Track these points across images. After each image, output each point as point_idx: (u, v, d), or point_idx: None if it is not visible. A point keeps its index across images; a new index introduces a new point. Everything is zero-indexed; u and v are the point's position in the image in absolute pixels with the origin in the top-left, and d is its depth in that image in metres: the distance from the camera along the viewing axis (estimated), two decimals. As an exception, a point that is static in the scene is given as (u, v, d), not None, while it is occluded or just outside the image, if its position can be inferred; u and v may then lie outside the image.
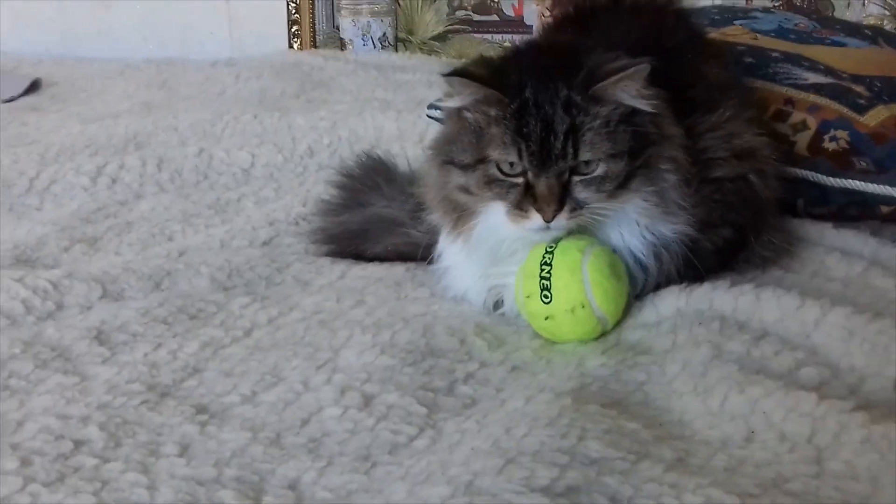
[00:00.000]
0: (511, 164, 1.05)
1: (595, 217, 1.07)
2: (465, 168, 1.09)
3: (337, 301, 1.20)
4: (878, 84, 1.47)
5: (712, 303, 1.11)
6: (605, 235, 1.10)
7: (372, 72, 2.49)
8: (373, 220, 1.36)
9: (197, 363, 1.04)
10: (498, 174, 1.06)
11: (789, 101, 1.43)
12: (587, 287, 1.06)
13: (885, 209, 1.35)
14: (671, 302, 1.13)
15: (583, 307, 1.06)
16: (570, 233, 1.08)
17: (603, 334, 1.10)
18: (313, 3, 2.81)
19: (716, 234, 1.17)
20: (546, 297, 1.06)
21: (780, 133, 1.40)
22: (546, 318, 1.07)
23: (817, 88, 1.44)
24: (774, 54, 1.51)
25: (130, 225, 1.53)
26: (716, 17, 1.69)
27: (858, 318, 1.03)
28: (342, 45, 2.81)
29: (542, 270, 1.06)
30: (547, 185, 1.04)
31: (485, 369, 1.02)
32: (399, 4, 2.78)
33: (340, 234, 1.38)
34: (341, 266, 1.33)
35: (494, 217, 1.08)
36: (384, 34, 2.78)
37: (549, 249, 1.07)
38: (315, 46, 2.82)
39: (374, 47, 2.77)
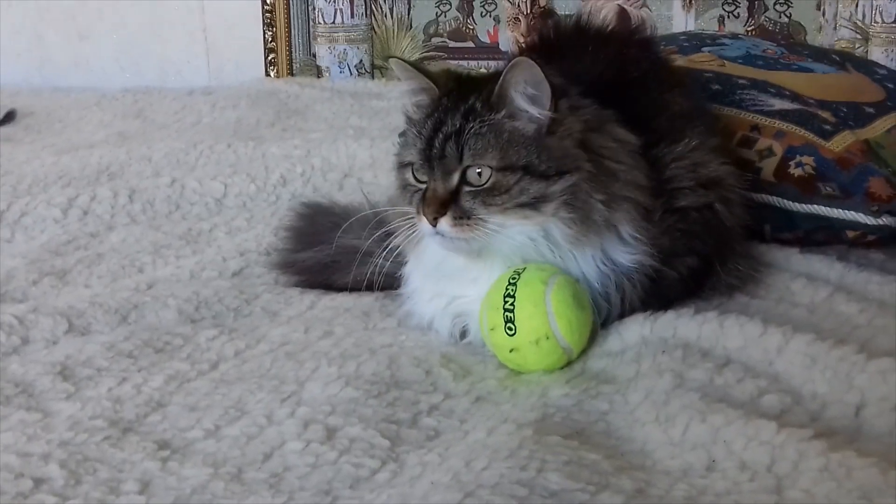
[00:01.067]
0: (412, 167, 1.11)
1: (490, 231, 1.07)
2: (400, 168, 1.16)
3: (305, 332, 1.21)
4: (844, 109, 1.48)
5: (676, 331, 1.11)
6: (562, 264, 1.11)
7: (347, 99, 2.51)
8: (341, 251, 1.36)
9: (161, 397, 1.04)
10: (411, 179, 1.12)
11: (755, 128, 1.43)
12: (551, 318, 1.06)
13: (851, 234, 1.36)
14: (636, 330, 1.13)
15: (547, 338, 1.06)
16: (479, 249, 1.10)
17: (568, 363, 1.10)
18: (290, 32, 2.83)
19: (681, 264, 1.18)
20: (510, 329, 1.06)
21: (747, 159, 1.40)
22: (511, 350, 1.07)
23: (783, 115, 1.44)
24: (741, 81, 1.51)
25: (101, 257, 1.53)
26: (685, 45, 1.69)
27: (821, 345, 1.03)
28: (318, 72, 2.83)
29: (506, 302, 1.06)
30: (432, 188, 1.08)
31: (449, 400, 1.02)
32: (375, 32, 2.80)
33: (310, 266, 1.38)
34: (311, 296, 1.34)
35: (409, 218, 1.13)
36: (360, 61, 2.80)
37: (511, 281, 1.08)
38: (292, 74, 2.85)
39: (351, 74, 2.79)
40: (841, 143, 1.41)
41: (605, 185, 1.09)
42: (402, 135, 1.19)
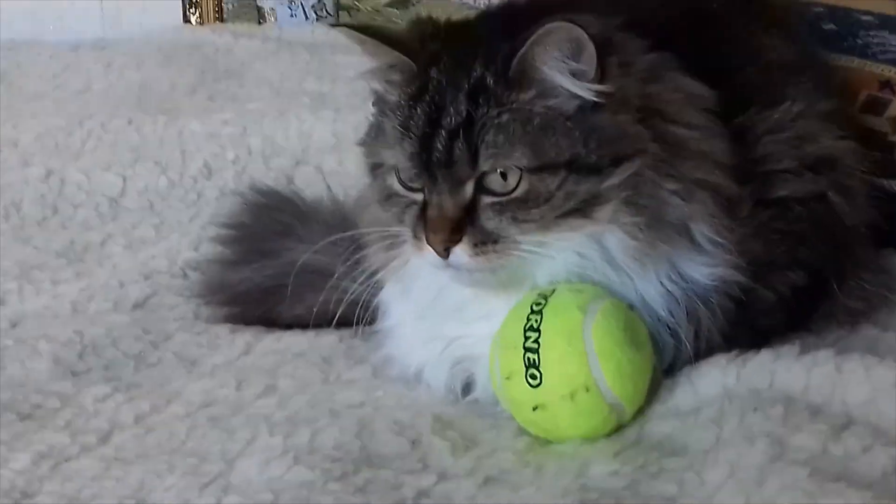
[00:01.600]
0: (395, 170, 1.10)
1: (526, 255, 1.08)
2: (372, 170, 1.17)
3: (237, 387, 1.22)
4: None
5: (774, 378, 1.12)
6: (617, 286, 1.11)
7: (302, 54, 2.53)
8: (289, 272, 1.36)
9: (26, 485, 1.05)
10: (396, 186, 1.11)
11: (887, 85, 1.45)
12: (592, 361, 1.06)
13: None
14: (716, 379, 1.14)
15: (587, 390, 1.06)
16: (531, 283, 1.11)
17: (618, 428, 1.10)
18: (219, -41, 2.86)
19: (781, 280, 1.18)
20: (534, 376, 1.06)
21: (876, 129, 1.43)
22: (535, 408, 1.07)
23: (927, 66, 1.46)
24: (866, 18, 1.53)
25: (-57, 282, 1.56)
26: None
27: None
28: (260, 16, 2.85)
29: (528, 339, 1.06)
30: (437, 205, 1.07)
31: (445, 483, 1.02)
32: (341, -42, 2.83)
33: (246, 291, 1.41)
34: (246, 336, 1.36)
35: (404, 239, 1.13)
36: (319, 0, 2.82)
37: (535, 308, 1.08)
38: (222, 20, 2.86)
39: (307, 19, 2.81)
40: None
41: (674, 165, 1.09)
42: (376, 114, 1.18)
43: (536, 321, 1.07)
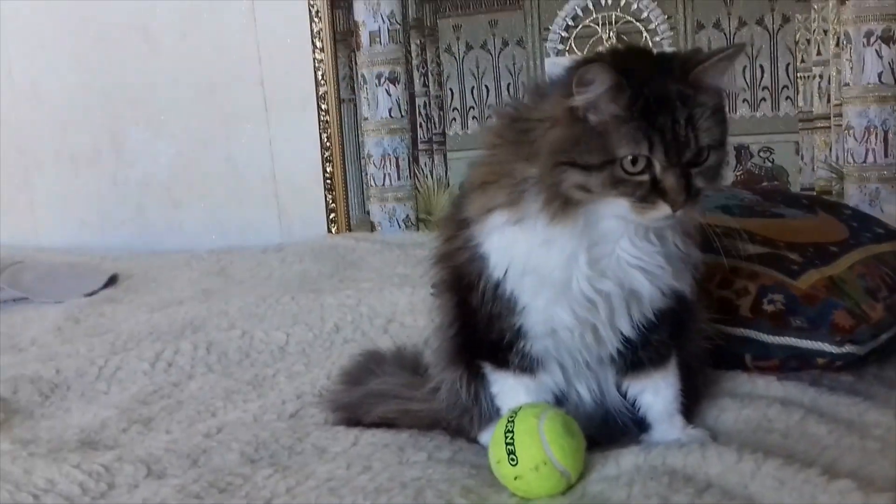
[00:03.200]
0: (635, 162, 1.00)
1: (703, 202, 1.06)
2: (587, 168, 1.01)
3: (347, 468, 1.20)
4: (811, 250, 1.50)
5: (665, 459, 1.11)
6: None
7: (395, 250, 2.56)
8: (368, 394, 1.39)
9: (220, 535, 1.05)
10: (623, 174, 1.00)
11: (733, 271, 1.44)
12: (546, 446, 1.07)
13: (820, 360, 1.36)
14: (630, 458, 1.13)
15: (545, 464, 1.07)
16: None
17: (570, 488, 1.09)
18: (347, 194, 2.92)
19: None
20: (513, 460, 1.07)
21: (726, 298, 1.42)
22: (516, 478, 1.08)
23: (756, 258, 1.46)
24: (717, 230, 1.53)
25: (181, 404, 1.56)
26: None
27: (789, 469, 1.03)
28: (372, 227, 2.90)
29: (507, 437, 1.08)
30: (675, 177, 1.00)
31: None
32: (419, 191, 2.88)
33: (348, 405, 1.40)
34: (354, 433, 1.33)
35: (610, 208, 1.03)
36: (407, 216, 2.87)
37: (510, 419, 1.09)
38: (349, 229, 2.92)
39: (399, 228, 2.86)
40: (807, 280, 1.42)
41: None
42: (575, 137, 1.02)
43: (511, 426, 1.08)
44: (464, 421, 1.27)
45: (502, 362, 1.19)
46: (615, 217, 1.04)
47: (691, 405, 1.25)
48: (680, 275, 1.14)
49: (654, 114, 0.99)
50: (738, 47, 1.05)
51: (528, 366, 1.18)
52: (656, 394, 1.20)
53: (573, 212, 1.04)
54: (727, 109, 1.08)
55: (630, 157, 1.00)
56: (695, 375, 1.26)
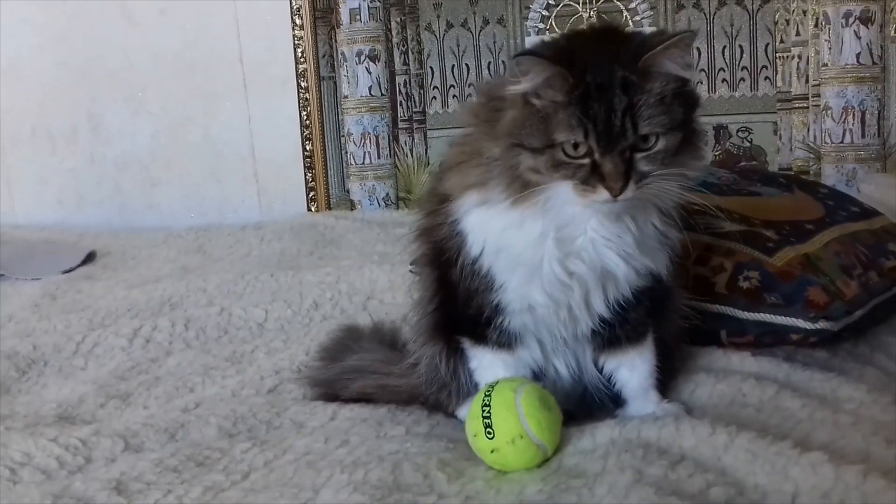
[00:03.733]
0: (576, 146, 1.01)
1: (659, 186, 1.04)
2: (534, 151, 1.03)
3: (325, 442, 1.21)
4: (787, 228, 1.51)
5: (640, 432, 1.12)
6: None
7: (375, 228, 2.56)
8: (346, 370, 1.39)
9: (198, 508, 1.05)
10: (564, 157, 1.01)
11: (709, 248, 1.46)
12: (522, 419, 1.08)
13: (794, 336, 1.37)
14: (605, 432, 1.14)
15: (521, 437, 1.07)
16: None
17: (546, 461, 1.10)
18: (327, 172, 2.91)
19: None
20: (489, 433, 1.08)
21: (702, 275, 1.43)
22: (492, 451, 1.08)
23: (732, 235, 1.47)
24: (695, 207, 1.53)
25: (158, 380, 1.56)
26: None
27: (761, 442, 1.04)
28: (352, 205, 2.90)
29: (484, 411, 1.08)
30: (612, 163, 1.00)
31: (442, 500, 1.02)
32: (399, 169, 2.87)
33: (326, 381, 1.40)
34: (332, 408, 1.34)
35: (561, 191, 1.04)
36: (387, 194, 2.87)
37: (487, 393, 1.10)
38: (329, 208, 2.91)
39: (379, 206, 2.86)
40: (783, 258, 1.43)
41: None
42: (524, 119, 1.04)
43: (488, 400, 1.09)
44: (442, 396, 1.27)
45: (480, 338, 1.19)
46: (568, 200, 1.05)
47: (667, 381, 1.26)
48: (655, 255, 1.14)
49: (592, 101, 1.00)
50: (688, 34, 1.03)
51: (506, 341, 1.18)
52: (632, 370, 1.21)
53: (533, 195, 1.05)
54: (694, 91, 1.08)
55: (571, 142, 1.01)
56: (671, 353, 1.27)
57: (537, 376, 1.21)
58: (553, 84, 1.01)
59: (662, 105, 1.01)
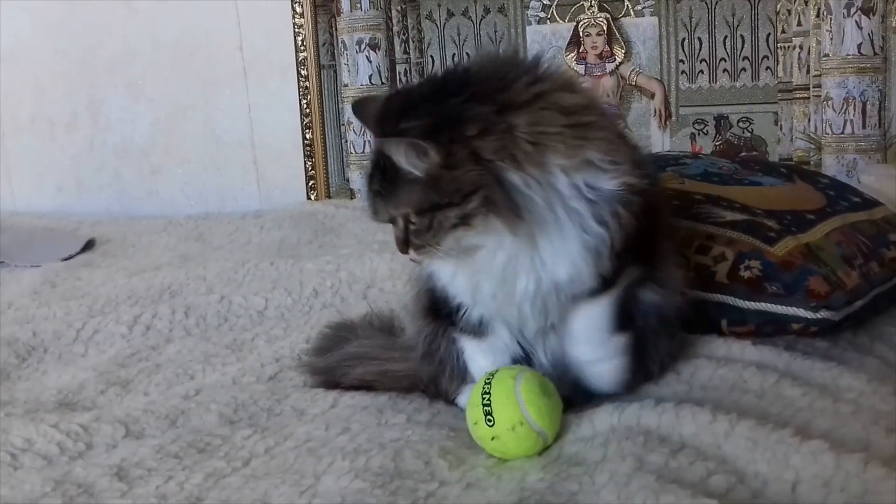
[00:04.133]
0: None
1: (445, 252, 1.07)
2: None
3: (326, 429, 1.21)
4: (788, 217, 1.51)
5: (640, 420, 1.12)
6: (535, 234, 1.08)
7: (375, 217, 2.54)
8: (345, 358, 1.39)
9: (200, 493, 1.05)
10: None
11: (710, 237, 1.46)
12: (522, 407, 1.08)
13: (795, 326, 1.37)
14: (605, 419, 1.14)
15: (521, 424, 1.07)
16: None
17: (546, 448, 1.10)
18: (326, 161, 2.91)
19: None
20: (490, 420, 1.08)
21: (703, 264, 1.43)
22: (493, 439, 1.09)
23: (733, 225, 1.47)
24: (697, 197, 1.55)
25: (159, 367, 1.56)
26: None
27: (762, 429, 1.04)
28: (352, 194, 2.89)
29: (484, 399, 1.09)
30: (395, 231, 1.09)
31: (444, 488, 1.02)
32: (399, 158, 2.86)
33: (326, 369, 1.41)
34: (333, 395, 1.34)
35: None
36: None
37: (487, 381, 1.10)
38: (329, 197, 2.91)
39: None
40: (784, 247, 1.43)
41: (533, 159, 1.04)
42: None
43: (488, 388, 1.09)
44: (438, 375, 1.28)
45: (456, 325, 1.21)
46: None
47: (646, 369, 1.26)
48: (599, 259, 1.11)
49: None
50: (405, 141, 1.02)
51: (476, 329, 1.20)
52: (583, 317, 1.18)
53: None
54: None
55: None
56: (648, 342, 1.25)
57: (518, 362, 1.21)
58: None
59: (404, 192, 1.05)
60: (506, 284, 1.12)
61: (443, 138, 1.02)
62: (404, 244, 1.08)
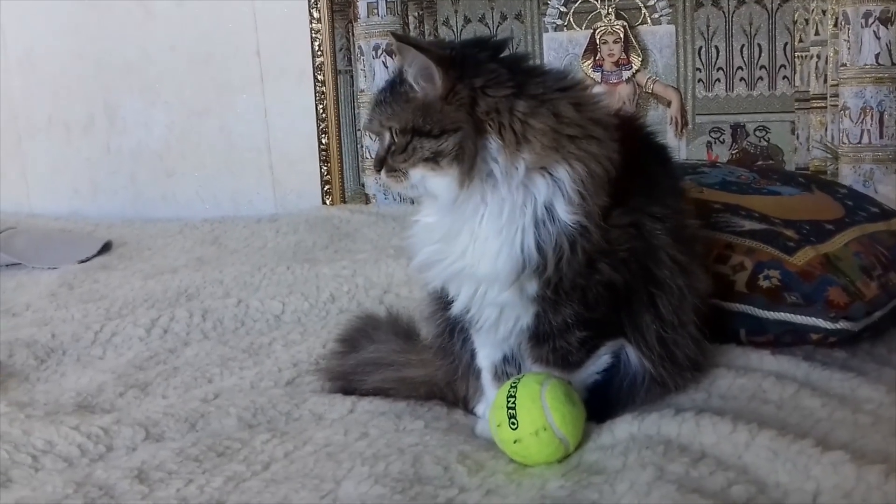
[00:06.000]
0: None
1: (412, 186, 1.10)
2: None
3: (345, 434, 1.21)
4: (807, 227, 1.51)
5: (660, 429, 1.12)
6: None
7: (390, 222, 2.55)
8: (364, 362, 1.39)
9: (220, 496, 1.06)
10: None
11: (729, 246, 1.46)
12: (547, 412, 1.08)
13: (814, 336, 1.37)
14: (625, 428, 1.14)
15: (545, 429, 1.08)
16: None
17: (567, 456, 1.11)
18: (342, 166, 2.91)
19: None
20: (513, 423, 1.08)
21: (722, 273, 1.43)
22: (515, 442, 1.09)
23: (752, 234, 1.47)
24: (716, 206, 1.55)
25: (177, 370, 1.56)
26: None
27: (783, 440, 1.04)
28: (367, 199, 2.89)
29: (509, 402, 1.09)
30: (378, 148, 1.13)
31: (463, 494, 1.03)
32: (414, 164, 2.86)
33: (343, 374, 1.41)
34: (351, 400, 1.34)
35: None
36: (401, 190, 2.85)
37: (513, 384, 1.11)
38: (344, 202, 2.91)
39: (394, 200, 2.85)
40: (803, 257, 1.43)
41: (512, 140, 1.06)
42: None
43: (513, 391, 1.10)
44: (454, 375, 1.29)
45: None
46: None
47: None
48: (526, 284, 1.11)
49: None
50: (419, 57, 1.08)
51: (469, 324, 1.21)
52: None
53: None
54: None
55: None
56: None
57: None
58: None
59: (398, 106, 1.09)
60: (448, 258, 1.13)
61: (453, 73, 1.06)
62: (380, 162, 1.11)
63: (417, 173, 1.09)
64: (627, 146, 1.13)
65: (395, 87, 1.10)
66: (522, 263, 1.08)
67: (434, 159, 1.07)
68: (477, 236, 1.10)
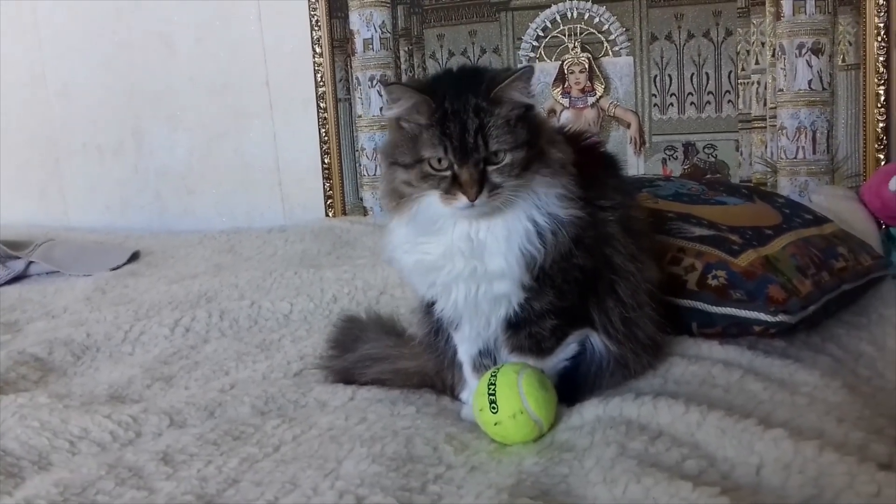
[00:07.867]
0: (440, 160, 1.05)
1: (511, 196, 1.06)
2: (406, 167, 1.08)
3: (346, 419, 1.21)
4: (749, 233, 1.51)
5: (622, 410, 1.12)
6: (519, 212, 1.09)
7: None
8: (360, 358, 1.38)
9: (236, 476, 1.05)
10: (430, 170, 1.06)
11: (681, 250, 1.46)
12: (523, 397, 1.08)
13: (757, 328, 1.37)
14: (592, 410, 1.14)
15: (521, 413, 1.08)
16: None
17: (541, 436, 1.11)
18: (342, 182, 2.91)
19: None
20: (494, 408, 1.09)
21: (675, 273, 1.43)
22: (496, 424, 1.09)
23: (701, 239, 1.47)
24: (670, 214, 1.55)
25: (197, 364, 1.56)
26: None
27: (730, 420, 1.05)
28: (364, 211, 2.89)
29: (489, 389, 1.09)
30: (468, 173, 1.04)
31: (450, 471, 1.03)
32: (406, 180, 2.85)
33: (343, 369, 1.40)
34: (352, 389, 1.34)
35: (430, 200, 1.08)
36: (396, 203, 2.84)
37: (493, 374, 1.11)
38: (345, 213, 2.90)
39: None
40: (746, 259, 1.44)
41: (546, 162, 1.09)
42: (397, 141, 1.11)
43: (493, 380, 1.10)
44: (442, 366, 1.28)
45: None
46: (436, 206, 1.08)
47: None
48: (527, 269, 1.11)
49: (450, 123, 1.05)
50: (528, 69, 1.07)
51: (449, 321, 1.20)
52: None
53: (410, 207, 1.09)
54: (538, 115, 1.12)
55: (435, 157, 1.05)
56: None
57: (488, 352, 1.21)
58: (419, 109, 1.06)
59: (508, 126, 1.06)
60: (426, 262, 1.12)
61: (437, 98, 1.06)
62: (479, 185, 1.05)
63: (514, 183, 1.07)
64: (581, 156, 1.15)
65: (493, 110, 1.07)
66: (528, 258, 1.10)
67: (528, 167, 1.08)
68: (484, 239, 1.10)
